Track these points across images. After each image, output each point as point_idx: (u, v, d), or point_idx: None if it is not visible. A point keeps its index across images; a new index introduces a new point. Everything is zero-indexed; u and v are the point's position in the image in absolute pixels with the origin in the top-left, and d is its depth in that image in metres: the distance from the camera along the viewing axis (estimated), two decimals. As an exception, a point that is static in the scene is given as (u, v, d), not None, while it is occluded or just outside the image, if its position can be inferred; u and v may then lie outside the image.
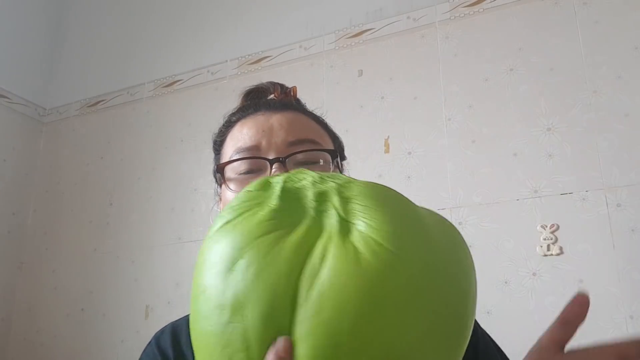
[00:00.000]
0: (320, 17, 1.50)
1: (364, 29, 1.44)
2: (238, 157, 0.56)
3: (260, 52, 1.56)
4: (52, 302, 1.62)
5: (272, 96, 0.67)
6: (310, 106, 0.70)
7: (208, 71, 1.62)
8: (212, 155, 0.66)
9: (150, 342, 0.62)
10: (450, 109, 1.27)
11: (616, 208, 1.06)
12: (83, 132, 1.78)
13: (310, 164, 0.56)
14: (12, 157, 1.74)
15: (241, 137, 0.58)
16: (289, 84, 0.75)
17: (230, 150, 0.58)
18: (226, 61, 1.61)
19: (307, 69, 1.47)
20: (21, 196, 1.74)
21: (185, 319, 0.64)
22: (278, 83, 0.68)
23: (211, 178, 0.62)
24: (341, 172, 0.63)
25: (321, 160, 0.56)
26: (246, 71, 1.56)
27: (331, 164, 0.57)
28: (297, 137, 0.56)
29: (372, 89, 1.37)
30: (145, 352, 0.60)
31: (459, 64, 1.29)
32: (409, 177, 1.28)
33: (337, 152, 0.58)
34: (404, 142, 1.30)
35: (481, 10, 1.31)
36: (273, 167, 0.54)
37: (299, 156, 0.56)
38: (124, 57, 1.80)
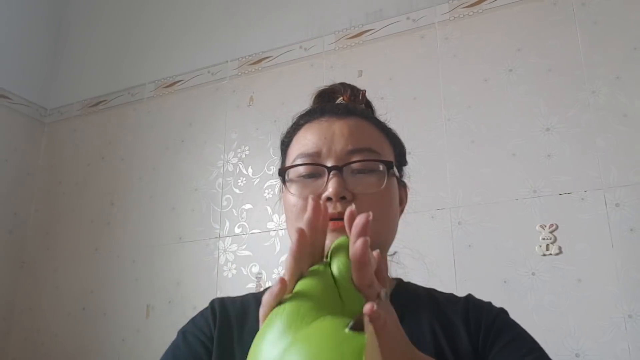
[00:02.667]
0: (320, 18, 1.51)
1: (364, 29, 1.44)
2: (298, 163, 0.60)
3: (261, 53, 1.56)
4: (53, 302, 1.63)
5: (340, 99, 0.70)
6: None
7: (208, 72, 1.63)
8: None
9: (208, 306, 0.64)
10: (450, 109, 1.27)
11: (615, 208, 1.06)
12: (84, 132, 1.79)
13: (366, 172, 0.59)
14: (14, 157, 1.74)
15: (305, 142, 0.62)
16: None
17: (294, 153, 0.62)
18: (226, 62, 1.61)
19: (307, 70, 1.47)
20: (22, 196, 1.75)
21: (240, 298, 0.65)
22: (349, 85, 0.72)
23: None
24: (401, 177, 0.67)
25: (380, 166, 0.60)
26: (246, 72, 1.57)
27: (386, 174, 0.60)
28: (356, 145, 0.60)
29: (372, 89, 1.37)
30: (201, 312, 0.63)
31: (458, 65, 1.30)
32: (408, 177, 1.28)
33: (393, 163, 0.61)
34: (404, 142, 1.30)
35: (480, 11, 1.31)
36: (330, 174, 0.58)
37: (355, 165, 0.59)
38: (125, 58, 1.80)
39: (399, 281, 0.67)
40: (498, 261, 1.13)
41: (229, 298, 0.64)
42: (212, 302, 0.63)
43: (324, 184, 0.57)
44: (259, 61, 1.56)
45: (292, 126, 0.66)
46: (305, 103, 0.76)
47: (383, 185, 0.59)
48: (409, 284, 0.66)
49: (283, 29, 1.56)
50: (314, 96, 0.71)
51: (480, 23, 1.30)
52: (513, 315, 0.53)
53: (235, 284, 1.38)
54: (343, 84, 0.72)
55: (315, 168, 0.59)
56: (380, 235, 0.58)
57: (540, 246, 1.10)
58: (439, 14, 1.36)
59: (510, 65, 1.24)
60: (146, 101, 1.71)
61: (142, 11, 1.83)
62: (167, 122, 1.64)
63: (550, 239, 1.10)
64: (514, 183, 1.16)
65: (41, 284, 1.66)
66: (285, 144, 0.67)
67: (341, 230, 0.55)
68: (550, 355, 0.54)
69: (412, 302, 0.61)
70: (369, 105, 0.73)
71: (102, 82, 1.81)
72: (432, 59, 1.33)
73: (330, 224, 0.56)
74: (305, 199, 0.58)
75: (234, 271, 1.40)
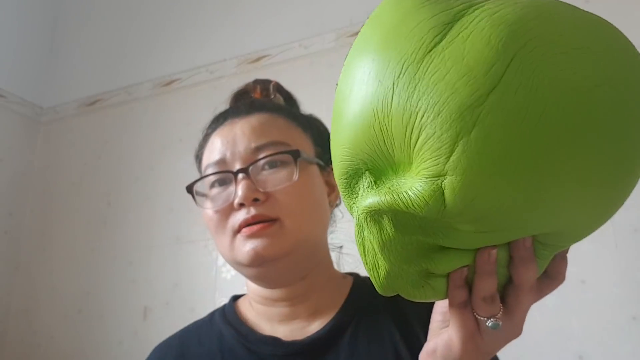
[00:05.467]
0: (320, 16, 1.49)
1: (364, 27, 1.42)
2: (202, 175, 0.59)
3: (260, 51, 1.55)
4: (49, 304, 1.61)
5: (253, 97, 0.67)
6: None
7: (207, 70, 1.61)
8: None
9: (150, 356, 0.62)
10: (451, 108, 1.26)
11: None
12: (80, 132, 1.77)
13: (278, 166, 0.56)
14: (9, 156, 1.72)
15: (209, 152, 0.59)
16: (288, 82, 0.74)
17: (204, 165, 0.60)
18: (225, 60, 1.59)
19: (307, 68, 1.46)
20: (18, 196, 1.73)
21: (191, 326, 0.64)
22: (261, 81, 0.69)
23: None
24: (327, 163, 0.62)
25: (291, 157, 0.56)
26: (245, 70, 1.55)
27: (295, 164, 0.56)
28: (259, 141, 0.57)
29: (372, 88, 1.36)
30: None
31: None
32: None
33: (299, 151, 0.57)
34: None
35: (482, 8, 1.30)
36: (237, 178, 0.55)
37: (261, 162, 0.56)
38: (122, 56, 1.79)
39: (355, 277, 0.63)
40: (500, 262, 1.11)
41: (167, 341, 0.62)
42: (154, 352, 0.61)
43: (234, 190, 0.55)
44: (258, 59, 1.54)
45: (202, 138, 0.64)
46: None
47: (295, 177, 0.55)
48: (365, 280, 0.62)
49: (282, 27, 1.54)
50: (228, 100, 0.69)
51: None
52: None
53: (234, 285, 1.37)
54: (255, 81, 0.69)
55: (222, 176, 0.57)
56: (302, 230, 0.55)
57: (543, 247, 1.09)
58: (440, 11, 1.34)
59: (512, 63, 1.22)
60: (143, 100, 1.69)
61: (140, 9, 1.82)
62: (165, 122, 1.63)
63: (553, 239, 1.09)
64: (516, 183, 1.15)
65: (37, 286, 1.65)
66: (198, 159, 0.64)
67: (258, 235, 0.53)
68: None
69: (370, 306, 0.58)
70: (288, 95, 0.69)
71: (99, 80, 1.79)
72: (433, 58, 1.32)
73: (246, 230, 0.54)
74: (218, 212, 0.56)
75: (233, 272, 1.39)
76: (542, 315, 1.05)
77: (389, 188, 0.31)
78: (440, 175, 0.29)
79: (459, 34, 0.30)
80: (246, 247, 0.54)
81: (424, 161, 0.29)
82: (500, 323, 0.36)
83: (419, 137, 0.29)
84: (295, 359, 0.54)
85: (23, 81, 1.81)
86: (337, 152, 0.35)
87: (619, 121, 0.29)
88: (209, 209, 0.57)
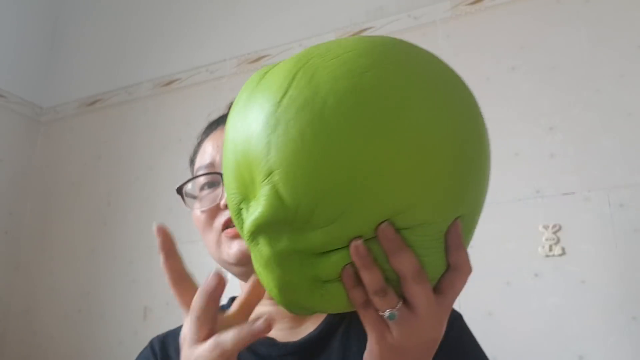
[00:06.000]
0: (321, 16, 1.49)
1: (365, 27, 1.42)
2: (191, 177, 0.62)
3: (260, 51, 1.55)
4: (49, 304, 1.61)
5: None
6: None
7: (207, 70, 1.61)
8: None
9: (147, 345, 0.64)
10: (451, 108, 1.26)
11: (619, 208, 1.05)
12: (80, 132, 1.77)
13: None
14: (9, 156, 1.72)
15: (201, 156, 0.62)
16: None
17: (195, 169, 0.63)
18: (225, 60, 1.59)
19: (307, 68, 1.46)
20: (18, 196, 1.73)
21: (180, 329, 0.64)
22: None
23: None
24: None
25: None
26: (245, 70, 1.55)
27: None
28: None
29: (373, 88, 1.36)
30: (141, 353, 0.63)
31: (460, 63, 1.27)
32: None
33: None
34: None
35: (482, 8, 1.29)
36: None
37: None
38: (122, 56, 1.79)
39: None
40: (500, 262, 1.11)
41: (168, 333, 0.63)
42: (152, 342, 0.63)
43: (221, 192, 0.57)
44: (258, 59, 1.54)
45: (197, 144, 0.67)
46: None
47: None
48: None
49: (282, 27, 1.54)
50: (227, 108, 0.73)
51: (483, 21, 1.29)
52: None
53: (235, 284, 1.37)
54: None
55: (211, 178, 0.59)
56: None
57: (544, 247, 1.09)
58: (440, 11, 1.34)
59: (513, 63, 1.22)
60: (143, 100, 1.69)
61: (140, 8, 1.81)
62: (165, 121, 1.63)
63: (554, 239, 1.08)
64: (516, 183, 1.15)
65: (37, 286, 1.65)
66: (192, 163, 0.67)
67: (240, 236, 0.54)
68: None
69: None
70: None
71: (99, 80, 1.79)
72: (433, 57, 1.32)
73: (230, 231, 0.56)
74: (205, 212, 0.59)
75: (233, 272, 1.39)
76: (542, 315, 1.05)
77: (250, 209, 0.36)
78: (270, 173, 0.34)
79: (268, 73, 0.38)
80: (232, 247, 0.56)
81: (259, 171, 0.34)
82: (397, 313, 0.36)
83: (252, 155, 0.35)
84: (289, 359, 0.55)
85: (23, 81, 1.81)
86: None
87: (390, 95, 0.33)
88: (197, 209, 0.60)
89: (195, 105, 1.60)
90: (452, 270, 0.38)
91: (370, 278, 0.35)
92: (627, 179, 1.06)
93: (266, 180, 0.34)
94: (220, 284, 0.38)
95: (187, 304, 0.41)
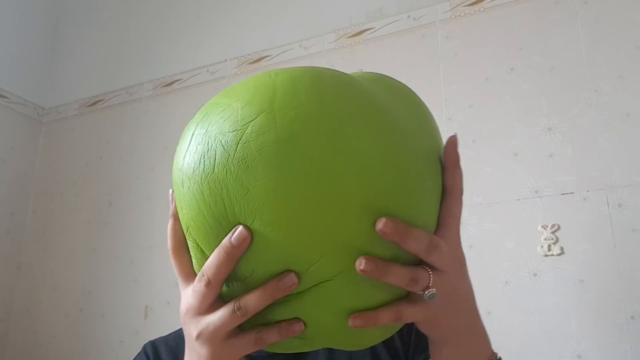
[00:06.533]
0: (320, 17, 1.50)
1: (364, 28, 1.43)
2: None
3: (260, 52, 1.55)
4: (50, 303, 1.62)
5: None
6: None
7: (207, 71, 1.62)
8: None
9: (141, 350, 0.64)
10: (451, 108, 1.26)
11: (617, 208, 1.05)
12: (82, 132, 1.78)
13: None
14: (11, 156, 1.73)
15: None
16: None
17: None
18: (226, 60, 1.60)
19: (307, 69, 1.46)
20: (20, 196, 1.74)
21: (173, 335, 0.65)
22: None
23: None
24: None
25: None
26: (246, 71, 1.56)
27: None
28: None
29: (372, 88, 1.36)
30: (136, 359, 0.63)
31: (459, 64, 1.29)
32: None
33: None
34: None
35: (482, 9, 1.30)
36: None
37: None
38: (123, 57, 1.79)
39: None
40: (499, 262, 1.12)
41: (161, 339, 0.63)
42: (145, 347, 0.62)
43: None
44: (259, 60, 1.55)
45: None
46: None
47: None
48: None
49: (283, 28, 1.55)
50: None
51: (482, 22, 1.29)
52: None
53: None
54: None
55: None
56: None
57: (542, 247, 1.09)
58: (440, 12, 1.35)
59: (511, 64, 1.23)
60: (144, 100, 1.69)
61: (140, 9, 1.82)
62: (166, 122, 1.63)
63: (552, 239, 1.09)
64: (515, 183, 1.15)
65: (39, 285, 1.65)
66: None
67: None
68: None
69: None
70: None
71: (100, 81, 1.80)
72: (432, 58, 1.32)
73: None
74: None
75: (233, 272, 1.39)
76: (540, 315, 1.05)
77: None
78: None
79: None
80: None
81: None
82: (434, 290, 0.37)
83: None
84: (277, 359, 0.56)
85: (25, 82, 1.82)
86: None
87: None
88: None
89: (196, 105, 1.60)
90: (447, 196, 0.38)
91: (396, 277, 0.34)
92: (625, 179, 1.06)
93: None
94: (244, 243, 0.32)
95: (186, 275, 0.39)
